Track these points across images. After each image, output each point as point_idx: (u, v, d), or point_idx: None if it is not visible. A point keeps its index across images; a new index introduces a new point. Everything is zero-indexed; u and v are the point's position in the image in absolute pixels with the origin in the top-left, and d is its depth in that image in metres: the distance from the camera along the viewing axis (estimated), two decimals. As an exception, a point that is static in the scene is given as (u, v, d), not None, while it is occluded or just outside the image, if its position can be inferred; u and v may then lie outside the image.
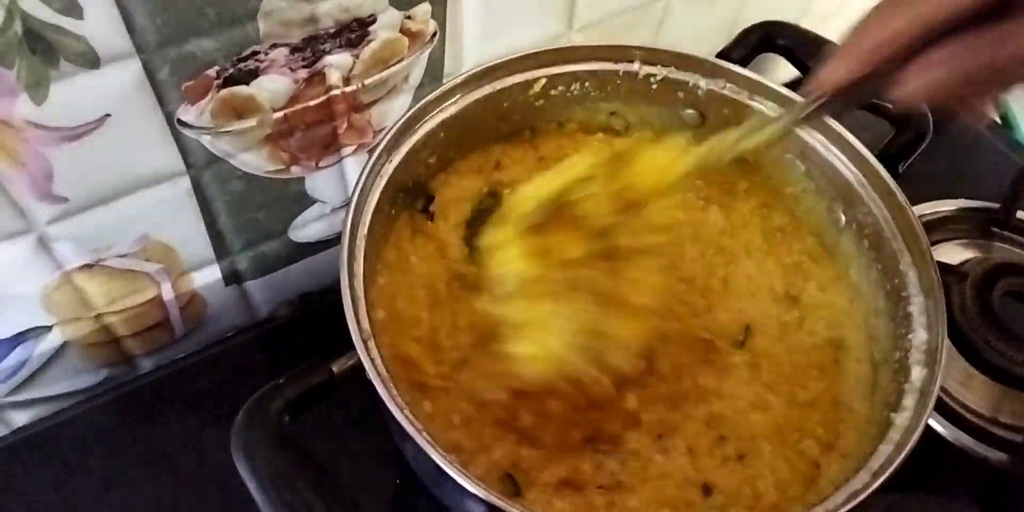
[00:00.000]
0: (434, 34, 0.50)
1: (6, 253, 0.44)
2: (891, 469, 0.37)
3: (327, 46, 0.46)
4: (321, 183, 0.55)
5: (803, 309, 0.49)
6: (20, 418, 0.56)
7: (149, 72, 0.41)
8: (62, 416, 0.56)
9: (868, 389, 0.45)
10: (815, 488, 0.42)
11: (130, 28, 0.38)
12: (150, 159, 0.45)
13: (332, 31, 0.45)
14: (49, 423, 0.55)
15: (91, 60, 0.38)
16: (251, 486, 0.35)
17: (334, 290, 0.39)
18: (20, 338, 0.50)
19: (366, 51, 0.48)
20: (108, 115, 0.41)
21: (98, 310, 0.52)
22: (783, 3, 0.66)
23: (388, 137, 0.45)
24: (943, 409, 0.54)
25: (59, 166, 0.42)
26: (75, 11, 0.36)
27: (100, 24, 0.37)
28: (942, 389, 0.52)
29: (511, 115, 0.51)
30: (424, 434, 0.35)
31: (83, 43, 0.38)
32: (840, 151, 0.48)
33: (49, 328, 0.51)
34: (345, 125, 0.51)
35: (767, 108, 0.50)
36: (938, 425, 0.53)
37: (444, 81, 0.49)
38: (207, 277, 0.56)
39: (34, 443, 0.55)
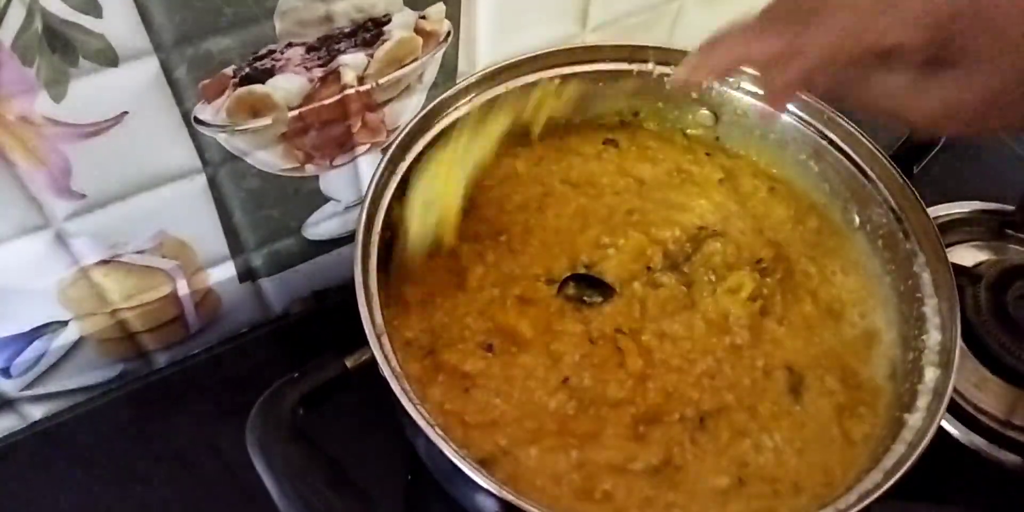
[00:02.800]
0: (448, 34, 0.50)
1: (24, 248, 0.45)
2: (904, 469, 0.37)
3: (342, 45, 0.46)
4: (335, 181, 0.55)
5: None
6: (36, 412, 0.56)
7: (166, 70, 0.41)
8: (78, 410, 0.56)
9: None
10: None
11: (148, 26, 0.39)
12: (167, 156, 0.46)
13: (347, 31, 0.46)
14: (65, 417, 0.56)
15: (110, 58, 0.39)
16: (265, 478, 0.36)
17: (347, 287, 0.39)
18: (37, 333, 0.51)
19: (380, 50, 0.48)
20: (126, 112, 0.42)
21: (114, 305, 0.52)
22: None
23: (403, 135, 0.45)
24: (956, 412, 0.53)
25: (77, 163, 0.42)
26: (94, 9, 0.37)
27: (119, 22, 0.38)
28: (955, 392, 0.52)
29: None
30: (437, 429, 0.35)
31: (102, 41, 0.38)
32: (854, 152, 0.48)
33: (65, 323, 0.51)
34: (359, 124, 0.52)
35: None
36: (952, 428, 0.53)
37: (457, 81, 0.49)
38: (222, 274, 0.56)
39: (50, 437, 0.55)
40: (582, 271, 0.47)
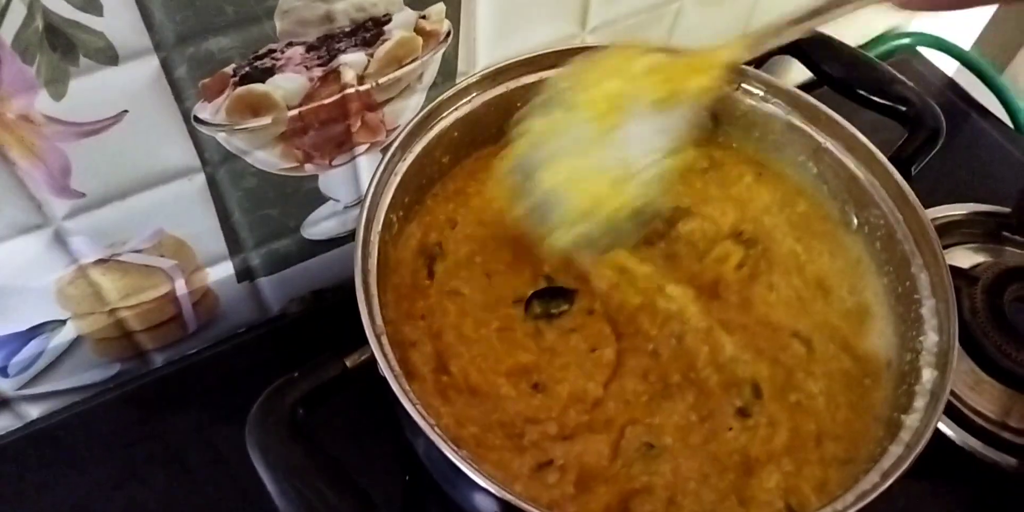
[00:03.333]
0: (448, 34, 0.50)
1: (23, 247, 0.45)
2: (901, 470, 0.37)
3: (342, 45, 0.46)
4: (334, 181, 0.55)
5: None
6: (33, 411, 0.56)
7: (167, 69, 0.41)
8: (75, 410, 0.56)
9: None
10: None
11: (149, 25, 0.39)
12: (166, 155, 0.46)
13: (347, 30, 0.46)
14: (62, 416, 0.56)
15: (110, 56, 0.39)
16: (265, 478, 0.36)
17: (346, 287, 0.39)
18: (35, 331, 0.51)
19: (380, 50, 0.48)
20: (126, 111, 0.42)
21: (112, 304, 0.52)
22: (795, 5, 0.66)
23: (403, 135, 0.45)
24: (952, 413, 0.54)
25: (76, 161, 0.42)
26: (95, 8, 0.37)
27: (119, 21, 0.38)
28: (952, 393, 0.52)
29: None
30: (436, 429, 0.35)
31: (102, 40, 0.38)
32: (852, 153, 0.48)
33: (63, 322, 0.51)
34: (359, 124, 0.52)
35: (780, 109, 0.50)
36: (947, 429, 0.53)
37: (457, 81, 0.49)
38: (220, 273, 0.56)
39: (47, 436, 0.55)
40: (543, 285, 0.46)
